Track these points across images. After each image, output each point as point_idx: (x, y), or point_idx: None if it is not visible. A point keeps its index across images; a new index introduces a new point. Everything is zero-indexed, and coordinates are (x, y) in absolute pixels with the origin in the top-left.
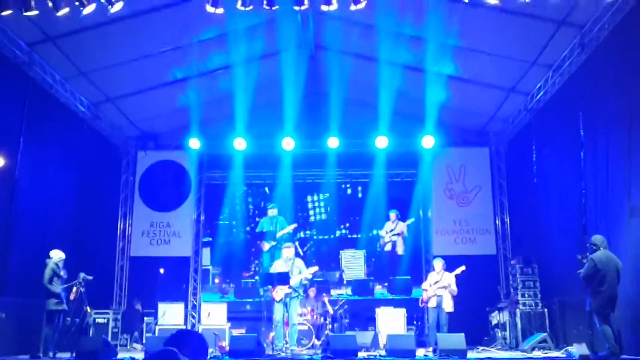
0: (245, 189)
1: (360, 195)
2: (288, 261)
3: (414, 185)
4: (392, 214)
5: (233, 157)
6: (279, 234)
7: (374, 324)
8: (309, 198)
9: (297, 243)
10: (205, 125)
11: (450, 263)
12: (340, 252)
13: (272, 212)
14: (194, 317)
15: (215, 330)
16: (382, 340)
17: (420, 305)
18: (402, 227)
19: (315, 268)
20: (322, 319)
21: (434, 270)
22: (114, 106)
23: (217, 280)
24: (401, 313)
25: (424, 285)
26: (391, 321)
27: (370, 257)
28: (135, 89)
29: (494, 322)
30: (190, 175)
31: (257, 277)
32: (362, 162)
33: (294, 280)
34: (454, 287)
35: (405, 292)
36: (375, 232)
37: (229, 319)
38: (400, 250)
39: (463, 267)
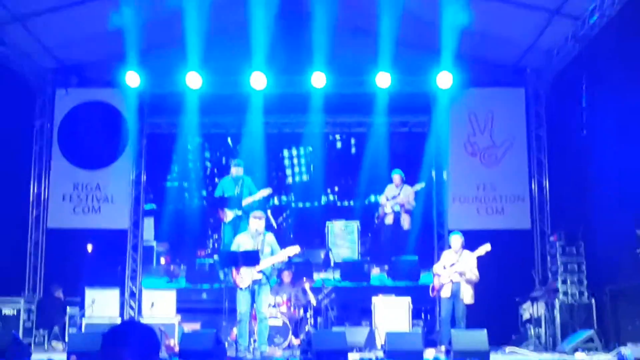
0: (201, 141)
1: (353, 150)
2: (257, 236)
3: (425, 137)
4: (396, 176)
5: (184, 98)
6: (245, 201)
7: (370, 317)
8: (286, 153)
9: (269, 212)
10: (146, 55)
11: (471, 240)
12: (327, 224)
13: (237, 171)
14: (132, 308)
15: (161, 326)
16: (380, 339)
17: (430, 294)
18: (408, 193)
19: (295, 249)
20: (301, 311)
21: (449, 248)
22: (23, 27)
23: (163, 261)
24: (405, 304)
25: (436, 268)
26: (392, 314)
27: (365, 232)
28: (51, 4)
29: (526, 316)
30: (127, 122)
31: (215, 257)
32: (357, 107)
33: (264, 263)
34: (475, 272)
35: (411, 277)
36: (373, 199)
37: (179, 310)
38: (405, 223)
39: (488, 246)
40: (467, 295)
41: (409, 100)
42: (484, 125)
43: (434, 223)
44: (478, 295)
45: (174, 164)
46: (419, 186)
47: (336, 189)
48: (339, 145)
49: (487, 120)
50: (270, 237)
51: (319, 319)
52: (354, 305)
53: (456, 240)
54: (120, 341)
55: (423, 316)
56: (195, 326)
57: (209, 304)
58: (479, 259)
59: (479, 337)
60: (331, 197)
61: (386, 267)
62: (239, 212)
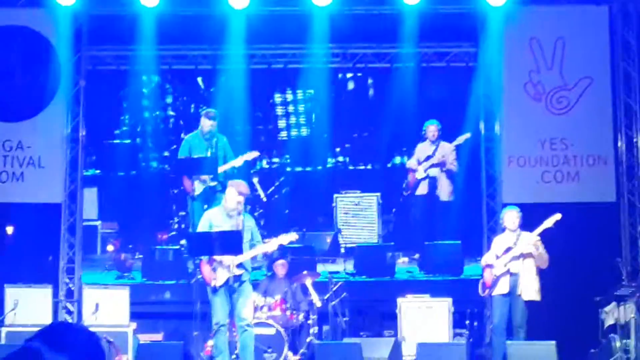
0: (160, 81)
1: (371, 93)
2: (235, 216)
3: (469, 75)
4: (431, 128)
5: (137, 22)
6: (222, 168)
7: (395, 325)
8: (278, 98)
9: (256, 180)
10: None
11: (533, 217)
12: (335, 196)
13: (209, 124)
14: (70, 313)
15: (109, 336)
16: (409, 353)
17: (480, 293)
18: (446, 151)
19: (290, 236)
20: (301, 316)
21: (504, 229)
22: None
23: (111, 247)
24: (443, 306)
25: (487, 257)
26: (425, 321)
27: (389, 207)
28: None
29: (609, 321)
30: (57, 55)
31: (183, 241)
32: (376, 33)
33: (244, 255)
34: (543, 255)
35: (452, 269)
36: (398, 161)
37: (134, 315)
38: (444, 193)
39: (558, 215)
40: (530, 291)
41: (448, 23)
42: (551, 58)
43: (482, 194)
44: (544, 293)
45: (124, 113)
46: (463, 138)
47: (347, 146)
48: (351, 86)
49: (557, 51)
50: (251, 222)
51: (325, 327)
52: (372, 308)
53: (512, 217)
54: (52, 348)
55: (468, 323)
56: (156, 337)
57: (175, 306)
58: (545, 239)
59: (544, 351)
60: (341, 159)
61: (417, 255)
62: (213, 184)
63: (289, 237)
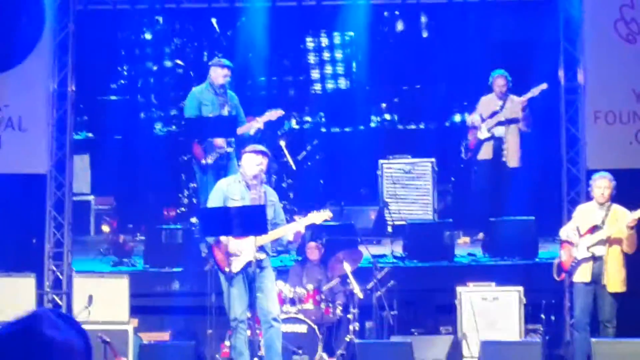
0: (165, 22)
1: (425, 34)
2: (255, 186)
3: (546, 10)
4: (499, 81)
5: None
6: (241, 129)
7: (454, 320)
8: (310, 42)
9: (283, 144)
10: None
11: (625, 188)
12: (381, 163)
13: (223, 73)
14: (58, 306)
15: (104, 334)
16: (471, 354)
17: (555, 277)
18: (516, 106)
19: (323, 214)
20: (338, 309)
21: (588, 201)
22: None
23: (107, 228)
24: (513, 297)
25: (567, 229)
26: (491, 314)
27: (446, 175)
28: None
29: None
30: None
31: (194, 220)
32: None
33: (267, 236)
34: (635, 238)
35: (524, 251)
36: (458, 119)
37: (135, 310)
38: (512, 158)
39: None
40: (617, 280)
41: None
42: None
43: (562, 158)
44: (634, 280)
45: (122, 63)
46: (538, 90)
47: (395, 101)
48: (400, 27)
49: None
50: (274, 197)
51: (368, 324)
52: (426, 300)
53: (602, 185)
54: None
55: (544, 317)
56: (162, 336)
57: (185, 299)
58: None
59: (639, 351)
60: (388, 118)
61: (481, 235)
62: (228, 149)
63: (321, 216)
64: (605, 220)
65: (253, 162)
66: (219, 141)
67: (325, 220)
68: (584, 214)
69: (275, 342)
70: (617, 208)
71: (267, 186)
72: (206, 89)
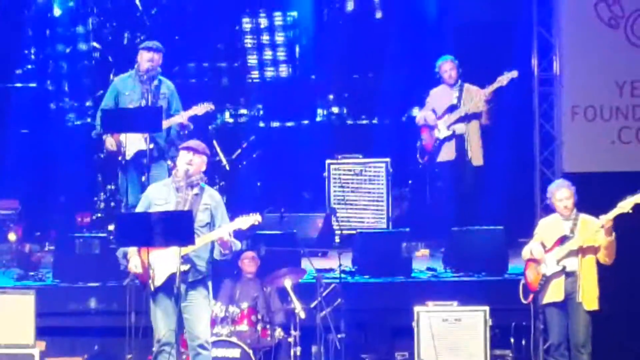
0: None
1: (378, 14)
2: (186, 188)
3: None
4: (445, 66)
5: None
6: (171, 121)
7: (411, 343)
8: (247, 24)
9: (215, 142)
10: None
11: (605, 191)
12: (328, 163)
13: (147, 58)
14: None
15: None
16: None
17: (522, 299)
18: (478, 99)
19: (251, 218)
20: (277, 331)
21: (560, 206)
22: None
23: (12, 237)
24: (478, 318)
25: (532, 248)
26: (453, 338)
27: (402, 178)
28: None
29: None
30: None
31: (111, 227)
32: None
33: (202, 239)
34: (610, 245)
35: (491, 265)
36: (417, 112)
37: (42, 332)
38: (476, 156)
39: (639, 197)
40: (592, 297)
41: None
42: None
43: (535, 159)
44: (606, 299)
45: (29, 45)
46: (506, 79)
47: (345, 95)
48: (350, 6)
49: None
50: (211, 200)
51: (313, 348)
52: (379, 321)
53: (562, 197)
54: None
55: (513, 341)
56: None
57: (101, 319)
58: (617, 225)
59: None
60: (335, 111)
61: (442, 248)
62: (151, 146)
63: (247, 220)
64: (575, 229)
65: (181, 161)
66: (110, 140)
67: (254, 226)
68: (548, 228)
69: None
70: (585, 217)
71: (207, 188)
72: (130, 76)
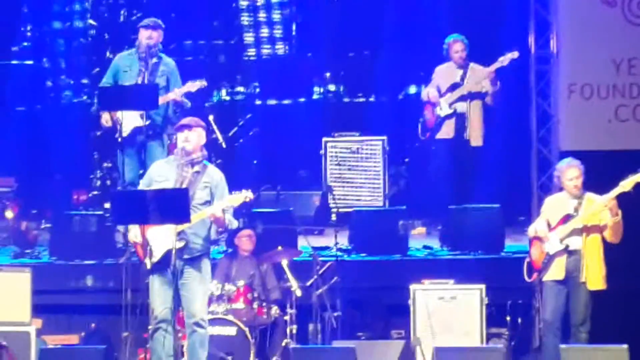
0: None
1: None
2: (187, 167)
3: None
4: (455, 46)
5: None
6: (165, 98)
7: (406, 322)
8: (244, 1)
9: (211, 118)
10: None
11: (602, 170)
12: (324, 141)
13: (145, 35)
14: None
15: (1, 337)
16: None
17: (526, 278)
18: (480, 76)
19: (242, 195)
20: (274, 309)
21: (570, 185)
22: None
23: (9, 214)
24: (475, 297)
25: (537, 225)
26: (449, 316)
27: (399, 156)
28: None
29: None
30: None
31: (107, 205)
32: None
33: (196, 216)
34: (620, 224)
35: (488, 244)
36: (414, 90)
37: (39, 309)
38: (476, 136)
39: (638, 177)
40: (597, 276)
41: None
42: None
43: (532, 138)
44: (614, 279)
45: (25, 22)
46: (507, 59)
47: (342, 73)
48: None
49: None
50: (210, 178)
51: (310, 326)
52: (375, 299)
53: (572, 175)
54: None
55: (509, 319)
56: (70, 339)
57: (97, 296)
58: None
59: (614, 358)
60: (332, 89)
61: (439, 227)
62: (147, 122)
63: (238, 197)
64: (579, 208)
65: (179, 139)
66: (105, 117)
67: (249, 203)
68: (554, 206)
69: (197, 350)
70: (591, 196)
71: (210, 166)
72: (130, 54)
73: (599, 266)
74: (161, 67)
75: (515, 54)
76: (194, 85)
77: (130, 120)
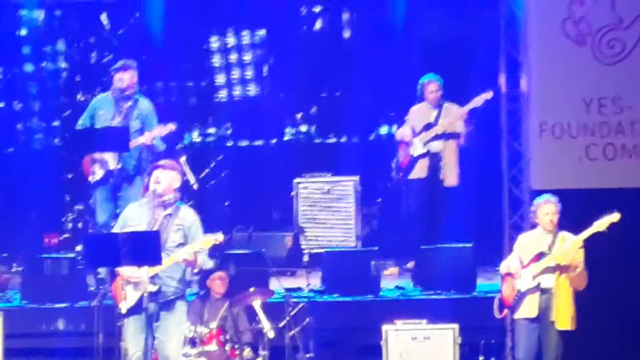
0: (46, 17)
1: (347, 34)
2: (159, 209)
3: (485, 5)
4: (430, 86)
5: None
6: (136, 141)
7: None
8: (215, 42)
9: (183, 160)
10: None
11: (575, 212)
12: (296, 182)
13: (117, 77)
14: None
15: None
16: None
17: (496, 314)
18: (455, 118)
19: (212, 238)
20: (246, 351)
21: (535, 225)
22: None
23: None
24: (447, 337)
25: (509, 262)
26: (422, 355)
27: (372, 196)
28: None
29: None
30: None
31: (79, 248)
32: None
33: (168, 260)
34: (584, 272)
35: (460, 283)
36: (385, 130)
37: (11, 353)
38: (451, 176)
39: (615, 216)
40: (566, 316)
41: None
42: None
43: (503, 177)
44: (583, 318)
45: None
46: (481, 99)
47: (313, 110)
48: (318, 25)
49: None
50: (188, 215)
51: None
52: (348, 341)
53: (549, 211)
54: None
55: (482, 359)
56: None
57: (70, 340)
58: (590, 246)
59: None
60: (304, 129)
61: (411, 264)
62: (119, 166)
63: (209, 240)
64: (552, 246)
65: (150, 181)
66: (105, 157)
67: (220, 245)
68: (527, 243)
69: None
70: (564, 234)
71: (183, 207)
72: (106, 96)
73: (568, 306)
74: (135, 111)
75: (489, 94)
76: (163, 129)
77: (99, 168)
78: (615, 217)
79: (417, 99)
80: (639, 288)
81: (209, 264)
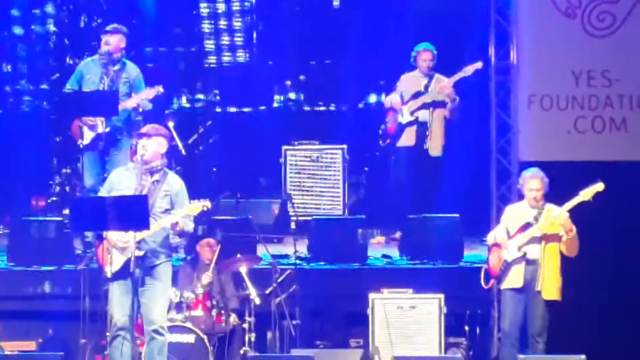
0: None
1: (336, 2)
2: (146, 175)
3: None
4: (424, 55)
5: None
6: (124, 104)
7: (365, 331)
8: (205, 8)
9: (171, 125)
10: None
11: (561, 181)
12: (284, 149)
13: (104, 41)
14: None
15: None
16: None
17: (483, 284)
18: (444, 87)
19: (199, 205)
20: (232, 317)
21: (529, 196)
22: None
23: None
24: (433, 306)
25: (496, 233)
26: (408, 325)
27: (359, 165)
28: None
29: None
30: None
31: (66, 211)
32: None
33: (156, 225)
34: (575, 240)
35: (447, 253)
36: (373, 99)
37: None
38: (436, 147)
39: (599, 186)
40: (553, 286)
41: None
42: None
43: (491, 149)
44: (569, 288)
45: None
46: (471, 69)
47: (302, 79)
48: None
49: None
50: (170, 187)
51: (268, 334)
52: (334, 308)
53: (534, 187)
54: None
55: (468, 329)
56: (28, 345)
57: (56, 303)
58: (576, 217)
59: None
60: (292, 97)
61: (398, 234)
62: (107, 129)
63: (196, 207)
64: (539, 217)
65: (138, 147)
66: (92, 120)
67: (207, 211)
68: (514, 214)
69: (156, 358)
70: (550, 206)
71: (170, 174)
72: (93, 60)
73: (555, 276)
74: (123, 74)
75: (479, 65)
76: (150, 92)
77: (88, 130)
78: (599, 186)
79: (404, 67)
80: (624, 259)
81: (190, 225)
